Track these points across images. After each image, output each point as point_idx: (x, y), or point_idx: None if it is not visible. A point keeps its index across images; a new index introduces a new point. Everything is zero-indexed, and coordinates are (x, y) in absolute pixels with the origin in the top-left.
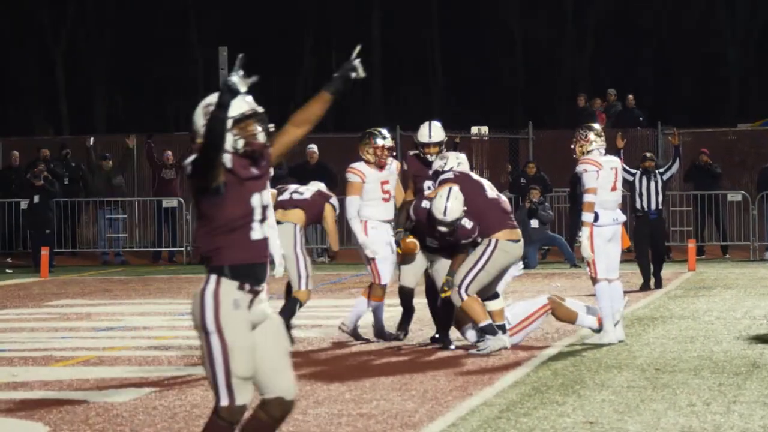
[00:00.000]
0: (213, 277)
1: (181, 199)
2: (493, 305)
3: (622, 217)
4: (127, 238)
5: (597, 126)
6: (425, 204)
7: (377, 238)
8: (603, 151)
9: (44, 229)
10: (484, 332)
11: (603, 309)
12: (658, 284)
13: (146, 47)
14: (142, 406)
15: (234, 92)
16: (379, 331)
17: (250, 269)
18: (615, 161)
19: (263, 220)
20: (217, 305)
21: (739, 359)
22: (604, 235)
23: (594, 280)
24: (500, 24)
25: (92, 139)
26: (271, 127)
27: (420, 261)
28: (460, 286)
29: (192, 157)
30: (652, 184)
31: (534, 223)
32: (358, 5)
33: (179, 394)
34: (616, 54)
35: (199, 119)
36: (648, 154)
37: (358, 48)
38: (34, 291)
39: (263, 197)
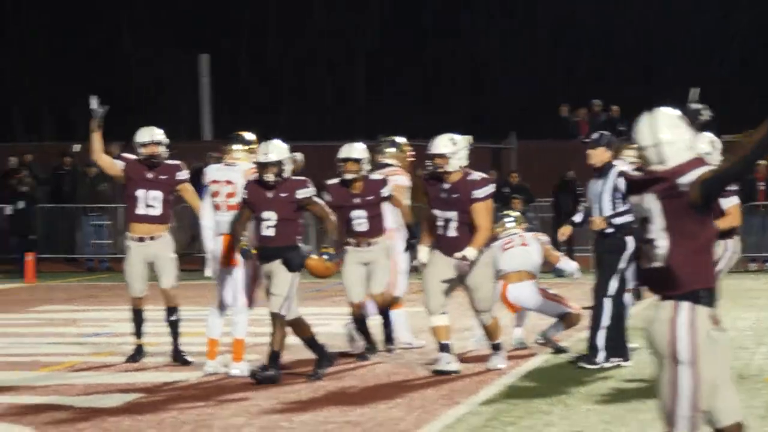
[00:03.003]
0: (686, 305)
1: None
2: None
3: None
4: (112, 245)
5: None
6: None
7: None
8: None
9: (28, 234)
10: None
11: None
12: None
13: (121, 54)
14: (128, 412)
15: None
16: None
17: (714, 293)
18: None
19: None
20: (694, 336)
21: None
22: None
23: None
24: (480, 31)
25: (78, 145)
26: None
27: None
28: (491, 309)
29: (702, 172)
30: None
31: None
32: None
33: (165, 401)
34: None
35: (663, 130)
36: None
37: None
38: (20, 297)
39: None
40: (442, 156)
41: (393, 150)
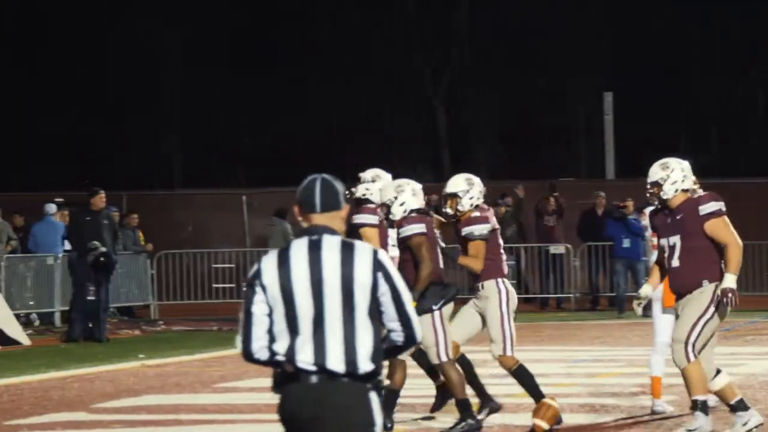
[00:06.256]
0: None
1: (569, 246)
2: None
3: None
4: (515, 285)
5: None
6: None
7: None
8: None
9: None
10: (696, 407)
11: None
12: None
13: (525, 98)
14: None
15: None
16: None
17: None
18: None
19: None
20: None
21: None
22: None
23: None
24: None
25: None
26: None
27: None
28: (687, 343)
29: None
30: None
31: None
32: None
33: None
34: None
35: None
36: None
37: None
38: None
39: None
40: (656, 184)
41: None
